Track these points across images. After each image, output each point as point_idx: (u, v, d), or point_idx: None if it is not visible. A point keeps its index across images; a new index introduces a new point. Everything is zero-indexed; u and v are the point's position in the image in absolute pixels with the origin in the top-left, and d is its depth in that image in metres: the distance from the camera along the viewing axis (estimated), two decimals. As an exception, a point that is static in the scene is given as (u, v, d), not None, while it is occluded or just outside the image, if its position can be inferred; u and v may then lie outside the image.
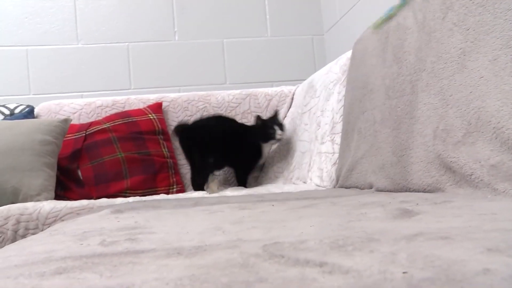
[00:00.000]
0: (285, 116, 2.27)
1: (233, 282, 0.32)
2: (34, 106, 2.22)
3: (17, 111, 2.15)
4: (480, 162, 0.85)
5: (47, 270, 0.42)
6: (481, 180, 0.84)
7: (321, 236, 0.50)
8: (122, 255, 0.48)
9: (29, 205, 1.48)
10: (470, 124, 0.90)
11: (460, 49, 0.96)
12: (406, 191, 1.08)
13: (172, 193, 1.99)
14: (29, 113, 2.14)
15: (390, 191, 1.14)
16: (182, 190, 2.03)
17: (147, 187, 1.98)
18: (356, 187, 1.35)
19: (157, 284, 0.33)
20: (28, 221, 1.44)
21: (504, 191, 0.77)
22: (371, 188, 1.26)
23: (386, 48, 1.26)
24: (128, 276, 0.37)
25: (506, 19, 0.84)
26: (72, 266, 0.43)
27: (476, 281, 0.31)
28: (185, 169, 2.20)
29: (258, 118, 2.01)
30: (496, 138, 0.83)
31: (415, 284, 0.30)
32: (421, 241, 0.45)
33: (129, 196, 1.80)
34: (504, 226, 0.51)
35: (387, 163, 1.17)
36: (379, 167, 1.21)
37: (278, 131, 1.97)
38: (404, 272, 0.33)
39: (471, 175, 0.87)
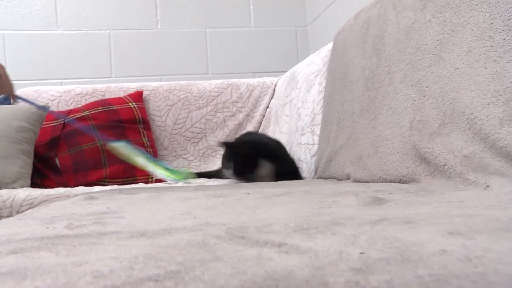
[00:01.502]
0: (267, 107, 2.26)
1: (188, 261, 0.32)
2: (12, 93, 2.17)
3: (-7, 97, 2.10)
4: (453, 153, 0.86)
5: (4, 250, 0.41)
6: (454, 170, 0.85)
7: (288, 220, 0.50)
8: (85, 237, 0.47)
9: (3, 192, 1.46)
10: (445, 115, 0.90)
11: (437, 40, 0.96)
12: (382, 181, 1.09)
13: (152, 182, 1.97)
14: (5, 99, 2.10)
15: (367, 182, 1.15)
16: (161, 179, 2.02)
17: (126, 176, 1.96)
18: (334, 178, 1.35)
19: (111, 262, 0.33)
20: (1, 209, 1.41)
21: (474, 181, 0.78)
22: (348, 179, 1.26)
23: (367, 39, 1.26)
24: (85, 254, 0.36)
25: (481, 11, 0.84)
26: (30, 246, 0.42)
27: (431, 261, 0.31)
28: (165, 159, 2.18)
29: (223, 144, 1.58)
30: (469, 129, 0.83)
31: (370, 263, 0.30)
32: (385, 225, 0.45)
33: (107, 185, 1.79)
34: (469, 212, 0.51)
35: (365, 154, 1.17)
36: (357, 158, 1.21)
37: (229, 172, 1.51)
38: (361, 253, 0.33)
39: (445, 165, 0.88)
